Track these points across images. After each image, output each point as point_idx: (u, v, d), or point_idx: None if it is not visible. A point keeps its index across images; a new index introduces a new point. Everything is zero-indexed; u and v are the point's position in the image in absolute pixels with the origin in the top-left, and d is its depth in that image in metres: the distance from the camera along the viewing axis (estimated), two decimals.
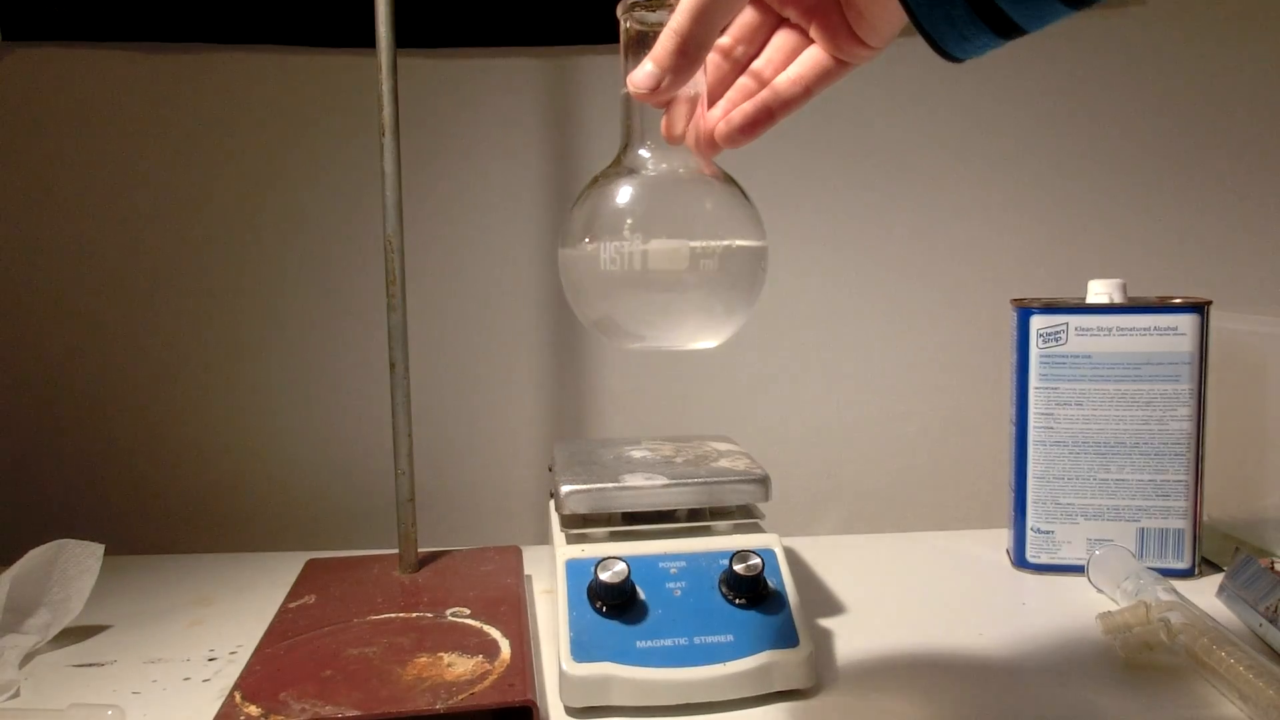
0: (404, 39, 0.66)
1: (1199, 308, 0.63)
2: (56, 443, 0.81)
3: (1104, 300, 0.65)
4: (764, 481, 0.56)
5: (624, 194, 0.42)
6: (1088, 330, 0.64)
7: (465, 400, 0.82)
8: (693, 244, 0.40)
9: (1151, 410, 0.64)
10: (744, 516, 0.57)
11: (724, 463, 0.59)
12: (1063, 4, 0.34)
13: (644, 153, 0.43)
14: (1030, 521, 0.66)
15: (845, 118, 0.80)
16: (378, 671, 0.48)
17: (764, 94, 0.41)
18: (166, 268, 0.79)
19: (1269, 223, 0.82)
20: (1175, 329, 0.63)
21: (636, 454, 0.61)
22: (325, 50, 0.77)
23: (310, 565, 0.65)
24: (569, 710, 0.48)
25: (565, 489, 0.54)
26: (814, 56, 0.41)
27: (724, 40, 0.41)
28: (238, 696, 0.46)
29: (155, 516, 0.81)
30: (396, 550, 0.63)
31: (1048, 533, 0.66)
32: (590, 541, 0.54)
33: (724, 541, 0.54)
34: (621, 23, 0.42)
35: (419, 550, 0.63)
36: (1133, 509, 0.65)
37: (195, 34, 0.76)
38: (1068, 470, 0.65)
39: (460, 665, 0.48)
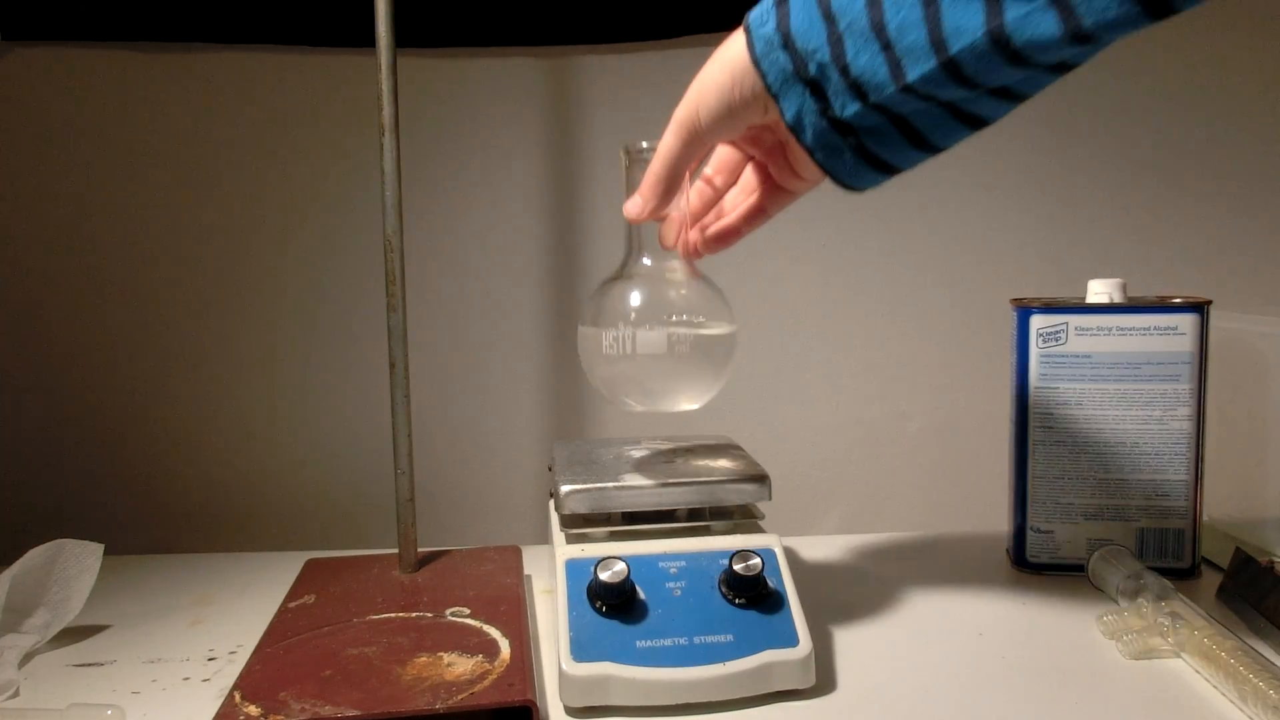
0: (404, 39, 0.66)
1: (1199, 308, 0.63)
2: (56, 443, 0.81)
3: (1104, 300, 0.65)
4: (764, 481, 0.56)
5: (621, 293, 0.54)
6: (1088, 330, 0.64)
7: (465, 400, 0.82)
8: (670, 333, 0.52)
9: (1151, 410, 0.64)
10: (744, 516, 0.57)
11: (724, 462, 0.59)
12: (912, 147, 0.46)
13: (643, 260, 0.55)
14: (1030, 521, 0.66)
15: None
16: (377, 671, 0.48)
17: (734, 214, 0.55)
18: (166, 267, 0.79)
19: (1269, 223, 0.82)
20: (1175, 329, 0.63)
21: (636, 454, 0.61)
22: (325, 50, 0.77)
23: (310, 565, 0.65)
24: (569, 710, 0.48)
25: (565, 489, 0.54)
26: (770, 185, 0.54)
27: (708, 172, 0.55)
28: (237, 696, 0.46)
29: (155, 516, 0.81)
30: (396, 550, 0.63)
31: (1048, 533, 0.66)
32: (590, 541, 0.54)
33: (724, 541, 0.54)
34: (622, 160, 0.54)
35: (419, 550, 0.63)
36: (1133, 509, 0.65)
37: (195, 34, 0.76)
38: (1068, 470, 0.65)
39: (460, 665, 0.48)
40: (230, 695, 0.46)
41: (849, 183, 0.48)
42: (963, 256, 0.83)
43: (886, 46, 0.40)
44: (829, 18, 0.42)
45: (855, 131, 0.45)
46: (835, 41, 0.42)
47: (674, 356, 0.51)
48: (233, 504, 0.82)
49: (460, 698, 0.45)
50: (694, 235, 0.55)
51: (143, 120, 0.78)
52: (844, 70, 0.42)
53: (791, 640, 0.49)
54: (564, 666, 0.48)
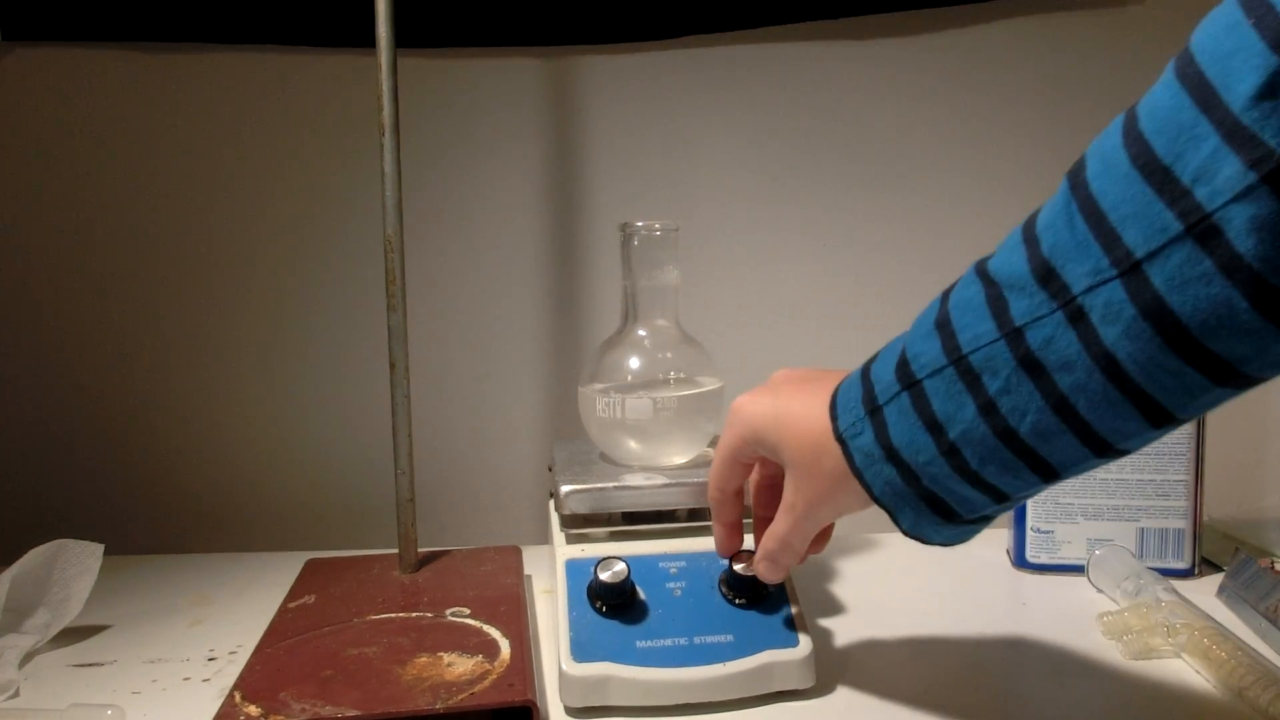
0: (404, 39, 0.66)
1: None
2: (56, 443, 0.81)
3: None
4: None
5: (613, 360, 0.59)
6: None
7: (465, 400, 0.82)
8: (656, 399, 0.56)
9: None
10: (744, 516, 0.57)
11: None
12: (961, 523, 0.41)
13: (635, 326, 0.59)
14: (1030, 521, 0.66)
15: (844, 118, 0.80)
16: (378, 671, 0.48)
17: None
18: (166, 267, 0.79)
19: None
20: None
21: None
22: (325, 50, 0.77)
23: (310, 565, 0.65)
24: (569, 710, 0.48)
25: (565, 489, 0.54)
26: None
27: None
28: (237, 696, 0.46)
29: (155, 516, 0.81)
30: (396, 550, 0.63)
31: (1048, 533, 0.66)
32: (590, 541, 0.54)
33: None
34: (621, 232, 0.59)
35: (419, 550, 0.63)
36: (1133, 509, 0.65)
37: (195, 34, 0.76)
38: None
39: (460, 665, 0.48)
40: (230, 695, 0.46)
41: (936, 543, 0.44)
42: (965, 257, 0.82)
43: (1022, 452, 0.36)
44: (934, 428, 0.38)
45: (978, 521, 0.41)
46: (949, 453, 0.38)
47: (659, 420, 0.56)
48: (233, 504, 0.82)
49: (460, 698, 0.45)
50: (761, 568, 0.50)
51: (143, 120, 0.78)
52: (974, 478, 0.38)
53: (791, 640, 0.50)
54: (564, 666, 0.48)
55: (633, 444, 0.58)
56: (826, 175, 0.81)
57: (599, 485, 0.55)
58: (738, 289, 0.82)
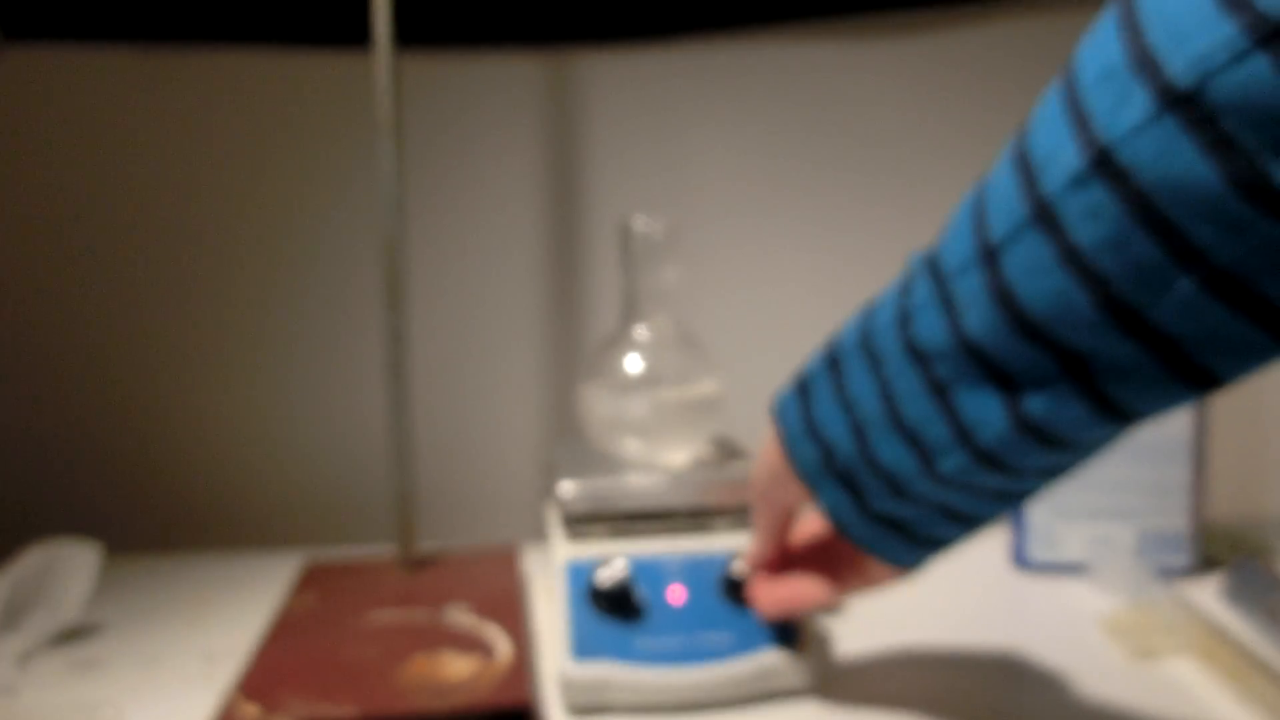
0: (404, 39, 0.66)
1: None
2: (56, 443, 0.80)
3: None
4: None
5: (612, 358, 0.58)
6: None
7: (465, 400, 0.82)
8: (655, 397, 0.56)
9: None
10: (744, 516, 0.57)
11: (724, 462, 0.59)
12: (960, 526, 0.42)
13: (635, 325, 0.59)
14: (1030, 521, 0.66)
15: (845, 117, 0.80)
16: (377, 671, 0.48)
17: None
18: (166, 267, 0.79)
19: None
20: None
21: None
22: (325, 50, 0.77)
23: (310, 565, 0.65)
24: (569, 710, 0.48)
25: (565, 489, 0.54)
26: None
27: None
28: (237, 697, 0.46)
29: (154, 516, 0.81)
30: (396, 550, 0.63)
31: (1048, 533, 0.66)
32: (590, 541, 0.54)
33: (724, 541, 0.54)
34: (621, 233, 0.58)
35: (419, 550, 0.63)
36: (1133, 509, 0.65)
37: (195, 34, 0.76)
38: None
39: (460, 665, 0.48)
40: (230, 695, 0.46)
41: (902, 565, 0.45)
42: None
43: (911, 440, 0.37)
44: (847, 407, 0.40)
45: (899, 524, 0.42)
46: (857, 432, 0.39)
47: (659, 419, 0.56)
48: (233, 504, 0.82)
49: (460, 698, 0.45)
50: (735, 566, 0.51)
51: (143, 120, 0.78)
52: (870, 463, 0.39)
53: (792, 640, 0.49)
54: (564, 666, 0.48)
55: (632, 443, 0.58)
56: (827, 175, 0.81)
57: (599, 485, 0.55)
58: (738, 289, 0.82)
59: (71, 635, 0.58)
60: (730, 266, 0.81)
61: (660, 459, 0.58)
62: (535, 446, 0.83)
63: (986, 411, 0.35)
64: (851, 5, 0.77)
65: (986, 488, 0.38)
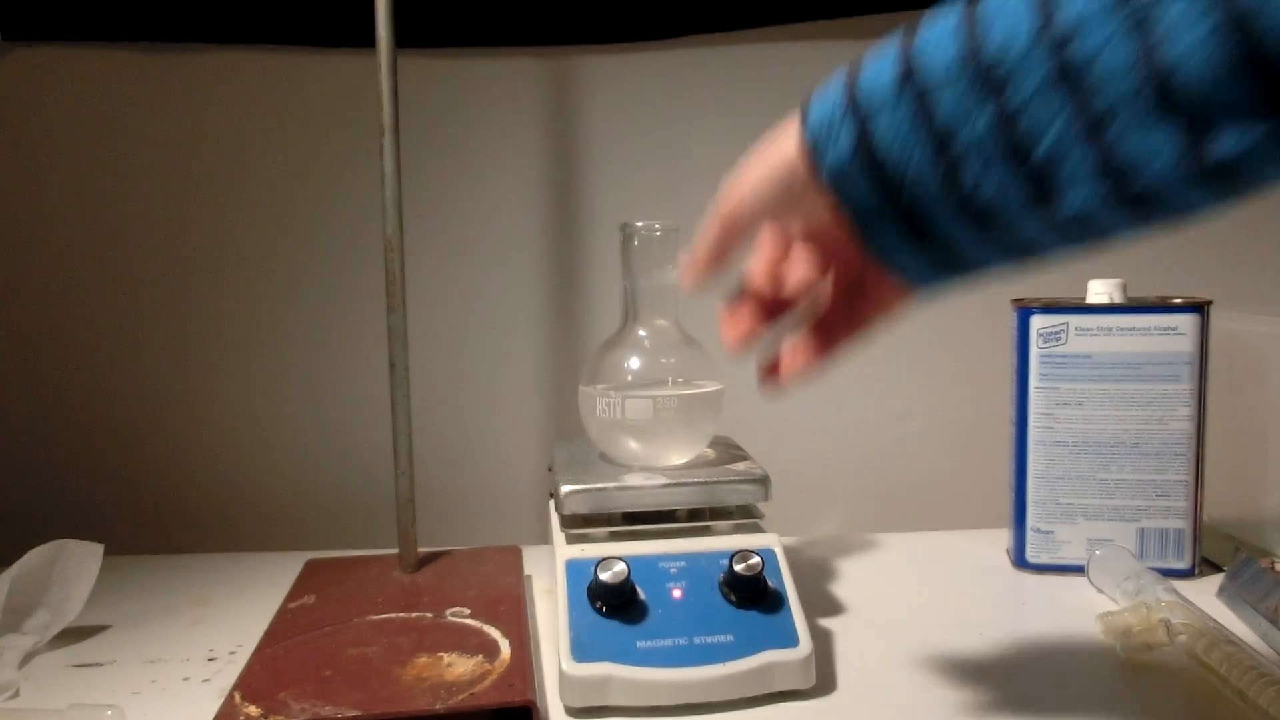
0: (404, 39, 0.66)
1: (1199, 308, 0.63)
2: (56, 443, 0.81)
3: (1104, 300, 0.65)
4: (764, 481, 0.56)
5: (613, 360, 0.59)
6: (1088, 330, 0.64)
7: (465, 400, 0.82)
8: (656, 399, 0.56)
9: (1151, 410, 0.64)
10: (744, 516, 0.57)
11: (724, 463, 0.59)
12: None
13: (636, 326, 0.59)
14: (1030, 521, 0.66)
15: None
16: (378, 671, 0.48)
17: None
18: (166, 267, 0.79)
19: (1269, 223, 0.82)
20: (1175, 329, 0.63)
21: None
22: (325, 50, 0.77)
23: (310, 565, 0.65)
24: (569, 710, 0.48)
25: (565, 489, 0.54)
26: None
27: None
28: (237, 696, 0.46)
29: (155, 516, 0.81)
30: (396, 550, 0.63)
31: (1048, 533, 0.66)
32: (590, 541, 0.54)
33: (724, 541, 0.54)
34: (621, 233, 0.59)
35: (419, 550, 0.63)
36: (1133, 509, 0.65)
37: (195, 34, 0.76)
38: (1068, 470, 0.65)
39: (460, 665, 0.48)
40: (230, 695, 0.46)
41: (924, 285, 0.42)
42: None
43: (1032, 174, 0.34)
44: (936, 133, 0.35)
45: (945, 244, 0.38)
46: (946, 161, 0.35)
47: (659, 420, 0.56)
48: (233, 504, 0.82)
49: (460, 698, 0.45)
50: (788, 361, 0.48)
51: (143, 120, 0.78)
52: (955, 193, 0.36)
53: (791, 640, 0.49)
54: (564, 667, 0.48)
55: (633, 444, 0.58)
56: None
57: (599, 485, 0.55)
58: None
59: (73, 635, 0.58)
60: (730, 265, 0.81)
61: (661, 459, 0.58)
62: (536, 447, 0.83)
63: (1156, 147, 0.31)
64: (851, 6, 0.77)
65: (1094, 225, 0.35)
